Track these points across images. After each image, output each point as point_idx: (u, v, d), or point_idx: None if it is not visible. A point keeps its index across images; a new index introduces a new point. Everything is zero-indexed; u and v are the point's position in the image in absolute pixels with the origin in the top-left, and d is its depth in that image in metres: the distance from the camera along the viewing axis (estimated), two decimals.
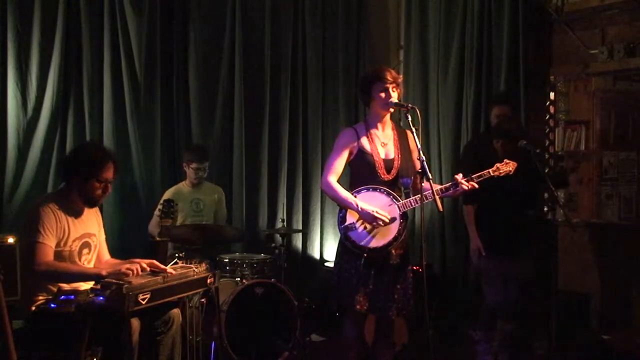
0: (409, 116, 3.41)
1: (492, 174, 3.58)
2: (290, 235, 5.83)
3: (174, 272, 3.27)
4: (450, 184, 3.48)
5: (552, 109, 5.40)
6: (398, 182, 3.55)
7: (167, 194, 4.90)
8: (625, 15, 5.02)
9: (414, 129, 3.32)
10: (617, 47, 4.91)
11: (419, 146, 3.28)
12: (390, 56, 6.67)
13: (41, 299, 3.23)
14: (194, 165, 5.00)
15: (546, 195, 4.80)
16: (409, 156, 3.61)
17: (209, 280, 3.42)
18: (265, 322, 4.44)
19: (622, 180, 5.16)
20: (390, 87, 3.49)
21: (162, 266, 3.30)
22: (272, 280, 4.64)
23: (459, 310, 5.42)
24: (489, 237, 4.12)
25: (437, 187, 3.43)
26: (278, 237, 5.35)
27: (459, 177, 3.48)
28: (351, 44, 6.21)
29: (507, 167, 3.61)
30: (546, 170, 4.33)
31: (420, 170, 3.27)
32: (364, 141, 3.55)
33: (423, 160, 3.26)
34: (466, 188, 3.46)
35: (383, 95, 3.50)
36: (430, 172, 3.31)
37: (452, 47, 5.76)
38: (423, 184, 3.27)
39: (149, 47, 5.27)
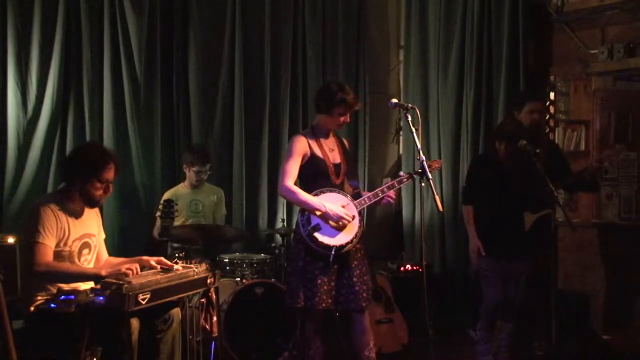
0: (409, 116, 3.45)
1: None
2: (290, 235, 5.81)
3: (181, 269, 3.30)
4: (396, 180, 3.67)
5: (552, 109, 5.40)
6: (346, 186, 3.72)
7: (166, 196, 4.89)
8: (625, 15, 5.02)
9: (414, 129, 3.34)
10: (617, 47, 4.91)
11: (419, 146, 3.31)
12: (390, 56, 6.67)
13: (41, 299, 3.23)
14: (195, 168, 4.99)
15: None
16: (351, 161, 3.88)
17: (209, 280, 3.43)
18: (265, 322, 4.44)
19: (622, 180, 5.15)
20: (350, 113, 3.72)
21: (170, 263, 3.34)
22: (272, 280, 4.64)
23: (459, 310, 5.42)
24: (488, 237, 4.12)
25: (368, 193, 3.69)
26: (278, 237, 5.35)
27: (402, 174, 3.71)
28: (351, 44, 6.21)
29: (436, 164, 3.93)
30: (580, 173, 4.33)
31: (420, 170, 3.30)
32: (315, 147, 3.68)
33: (423, 161, 3.29)
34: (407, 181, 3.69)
35: (342, 119, 3.69)
36: (430, 172, 3.33)
37: (452, 47, 5.76)
38: (423, 186, 3.34)
39: (149, 47, 5.27)
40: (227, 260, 4.79)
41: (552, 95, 5.40)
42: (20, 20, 4.79)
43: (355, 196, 3.69)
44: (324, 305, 3.56)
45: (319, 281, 3.55)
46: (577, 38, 5.27)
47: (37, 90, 4.86)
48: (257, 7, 5.75)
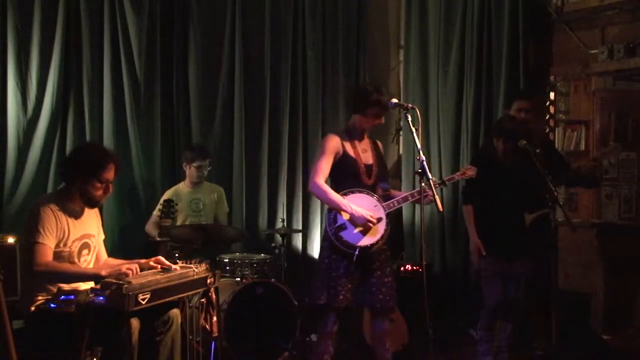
0: (409, 116, 3.45)
1: (459, 177, 3.84)
2: (290, 235, 5.82)
3: (179, 269, 3.31)
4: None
5: (552, 109, 5.40)
6: (377, 187, 3.73)
7: (167, 195, 4.89)
8: (625, 15, 5.02)
9: (414, 129, 3.34)
10: (617, 47, 4.91)
11: (419, 146, 3.31)
12: (390, 56, 6.67)
13: (41, 299, 3.23)
14: (196, 163, 4.99)
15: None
16: (383, 163, 3.86)
17: (209, 280, 3.42)
18: (265, 322, 4.43)
19: (622, 180, 5.16)
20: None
21: (168, 263, 3.34)
22: (272, 280, 4.64)
23: (459, 310, 5.42)
24: (488, 236, 4.12)
25: (402, 194, 3.68)
26: (278, 237, 5.35)
27: (433, 180, 3.58)
28: (351, 44, 6.21)
29: (470, 171, 3.84)
30: (579, 170, 4.35)
31: (420, 170, 3.30)
32: (347, 147, 3.70)
33: (423, 161, 3.29)
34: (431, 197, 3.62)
35: (376, 121, 3.71)
36: (430, 172, 3.33)
37: (452, 47, 5.76)
38: (423, 184, 3.34)
39: (149, 47, 5.27)
40: (227, 260, 4.79)
41: (552, 95, 5.40)
42: (20, 20, 4.79)
43: (385, 198, 3.70)
44: (346, 303, 3.60)
45: (343, 280, 3.59)
46: (577, 38, 5.27)
47: (37, 90, 4.86)
48: (257, 7, 5.75)
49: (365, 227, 3.57)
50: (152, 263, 3.31)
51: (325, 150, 3.67)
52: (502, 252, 4.09)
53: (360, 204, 3.59)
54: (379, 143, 3.93)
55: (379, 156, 3.82)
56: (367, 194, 3.64)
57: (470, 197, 4.25)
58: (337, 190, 3.63)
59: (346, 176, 3.67)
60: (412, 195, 3.66)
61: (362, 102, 3.66)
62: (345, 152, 3.67)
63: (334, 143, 3.68)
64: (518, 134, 3.98)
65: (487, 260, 4.13)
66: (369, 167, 3.70)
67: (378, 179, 3.74)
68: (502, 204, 4.05)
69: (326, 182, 3.66)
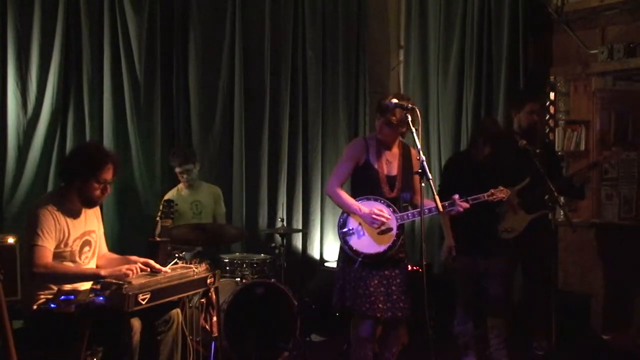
0: (409, 116, 3.43)
1: (486, 198, 3.68)
2: (290, 235, 5.83)
3: (170, 271, 3.29)
4: (447, 202, 3.58)
5: (552, 109, 5.40)
6: (399, 199, 3.70)
7: (167, 197, 4.87)
8: (625, 15, 5.02)
9: (414, 129, 3.33)
10: (617, 47, 4.92)
11: (419, 146, 3.30)
12: (390, 56, 6.67)
13: (43, 297, 3.23)
14: (177, 169, 4.97)
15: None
16: (410, 173, 3.71)
17: (209, 280, 3.43)
18: (265, 322, 4.44)
19: (622, 180, 5.16)
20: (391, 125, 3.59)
21: (158, 266, 3.32)
22: (272, 280, 4.64)
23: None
24: (462, 236, 4.11)
25: (432, 204, 3.54)
26: (278, 237, 5.35)
27: (456, 197, 3.59)
28: (351, 44, 6.21)
29: (501, 193, 3.69)
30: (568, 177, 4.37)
31: (420, 170, 3.29)
32: (372, 155, 3.65)
33: (423, 161, 3.28)
34: (461, 210, 3.59)
35: (386, 126, 3.60)
36: (430, 172, 3.33)
37: (452, 48, 5.76)
38: (423, 186, 3.32)
39: (149, 47, 5.27)
40: (227, 260, 4.79)
41: (552, 95, 5.40)
42: (20, 20, 4.79)
43: (404, 210, 3.67)
44: (368, 305, 3.56)
45: (354, 284, 3.58)
46: (577, 38, 5.27)
47: (37, 90, 4.86)
48: (257, 7, 5.76)
49: (375, 226, 3.53)
50: (141, 265, 3.27)
51: (345, 156, 3.70)
52: (476, 251, 4.09)
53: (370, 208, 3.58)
54: (413, 150, 3.76)
55: (405, 167, 3.72)
56: (382, 202, 3.60)
57: (446, 197, 4.22)
58: (355, 197, 3.63)
59: (365, 185, 3.64)
60: (429, 210, 3.50)
61: (380, 109, 3.62)
62: (367, 161, 3.63)
63: (355, 149, 3.67)
64: (506, 136, 4.00)
65: (462, 259, 4.15)
66: (391, 179, 3.65)
67: (401, 192, 3.70)
68: (478, 204, 4.00)
69: (344, 187, 3.66)
